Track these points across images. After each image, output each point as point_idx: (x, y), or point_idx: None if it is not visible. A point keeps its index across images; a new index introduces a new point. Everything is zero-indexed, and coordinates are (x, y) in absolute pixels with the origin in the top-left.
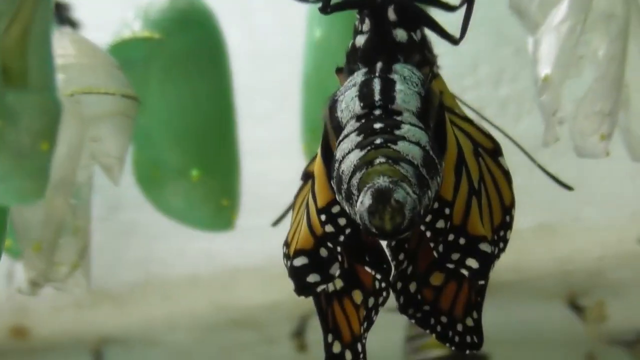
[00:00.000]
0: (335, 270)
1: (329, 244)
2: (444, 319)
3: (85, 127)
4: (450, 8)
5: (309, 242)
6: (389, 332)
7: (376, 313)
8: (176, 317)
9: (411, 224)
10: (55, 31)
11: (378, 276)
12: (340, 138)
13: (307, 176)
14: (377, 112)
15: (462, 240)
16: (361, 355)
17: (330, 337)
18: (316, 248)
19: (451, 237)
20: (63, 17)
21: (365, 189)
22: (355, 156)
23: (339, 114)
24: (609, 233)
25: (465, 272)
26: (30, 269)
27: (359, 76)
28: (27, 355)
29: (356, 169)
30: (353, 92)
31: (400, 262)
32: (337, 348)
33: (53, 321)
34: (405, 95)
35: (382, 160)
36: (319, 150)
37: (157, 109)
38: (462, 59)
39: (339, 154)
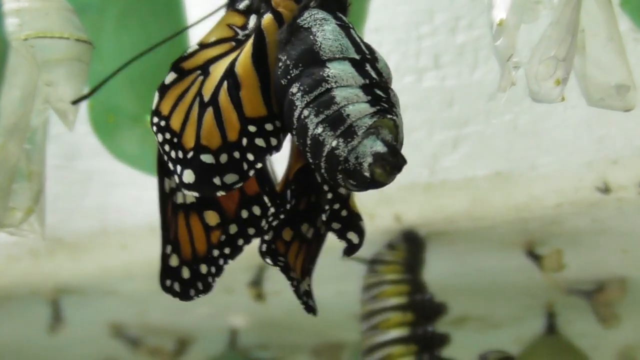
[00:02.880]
0: (230, 181)
1: (250, 156)
2: (293, 275)
3: (39, 71)
4: None
5: (215, 141)
6: (345, 280)
7: (246, 242)
8: (133, 266)
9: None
10: None
11: (272, 209)
12: (342, 83)
13: (182, 71)
14: (370, 69)
15: (344, 212)
16: (210, 279)
17: (168, 249)
18: (220, 151)
19: (336, 206)
20: None
21: (373, 132)
22: (365, 108)
23: (320, 40)
24: (565, 181)
25: (345, 243)
26: None
27: (323, 14)
28: None
29: (367, 114)
30: (335, 29)
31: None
32: (174, 262)
33: (9, 271)
34: (380, 60)
35: (393, 119)
36: (248, 58)
37: (112, 54)
38: (419, 6)
39: (340, 97)
